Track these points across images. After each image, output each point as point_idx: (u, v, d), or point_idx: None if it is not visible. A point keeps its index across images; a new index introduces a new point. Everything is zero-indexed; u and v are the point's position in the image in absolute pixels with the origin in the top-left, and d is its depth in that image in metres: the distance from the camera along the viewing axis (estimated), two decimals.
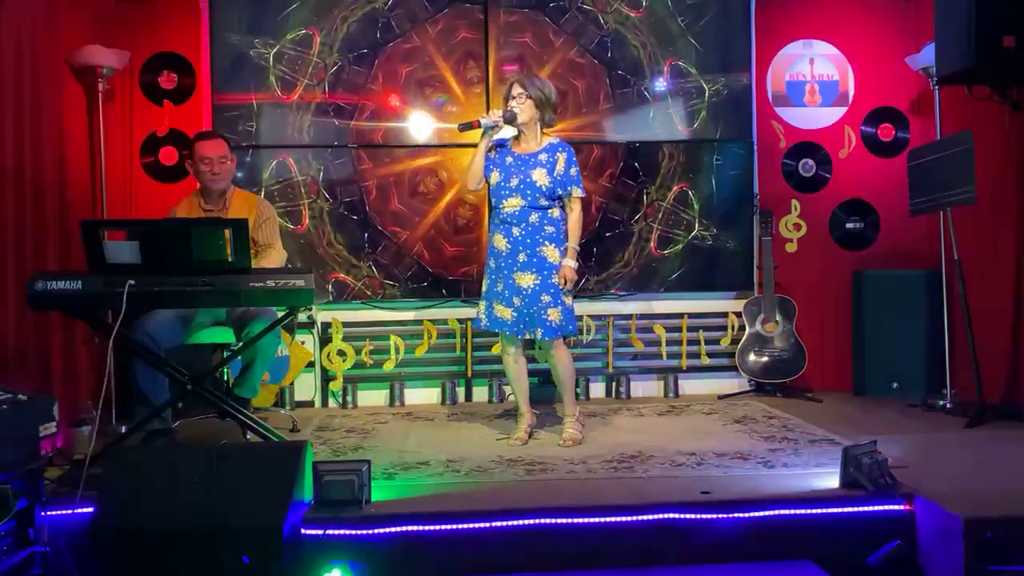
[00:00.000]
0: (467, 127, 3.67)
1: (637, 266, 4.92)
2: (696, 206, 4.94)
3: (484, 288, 3.77)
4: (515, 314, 3.64)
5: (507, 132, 3.73)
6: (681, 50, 4.91)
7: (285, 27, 4.72)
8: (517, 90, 3.62)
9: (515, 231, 3.63)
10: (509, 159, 3.68)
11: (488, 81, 4.80)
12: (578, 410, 3.81)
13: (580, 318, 4.84)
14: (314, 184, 4.74)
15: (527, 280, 3.61)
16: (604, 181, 4.89)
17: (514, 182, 3.62)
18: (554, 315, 3.60)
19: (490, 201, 3.79)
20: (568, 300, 3.65)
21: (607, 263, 4.92)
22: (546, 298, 3.60)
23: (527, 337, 3.67)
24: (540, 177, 3.59)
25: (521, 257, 3.62)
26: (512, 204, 3.62)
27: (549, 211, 3.63)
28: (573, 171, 3.64)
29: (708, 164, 4.94)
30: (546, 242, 3.62)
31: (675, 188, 4.93)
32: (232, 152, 3.92)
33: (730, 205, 4.95)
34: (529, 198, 3.60)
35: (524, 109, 3.61)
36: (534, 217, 3.61)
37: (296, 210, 4.72)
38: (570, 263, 3.61)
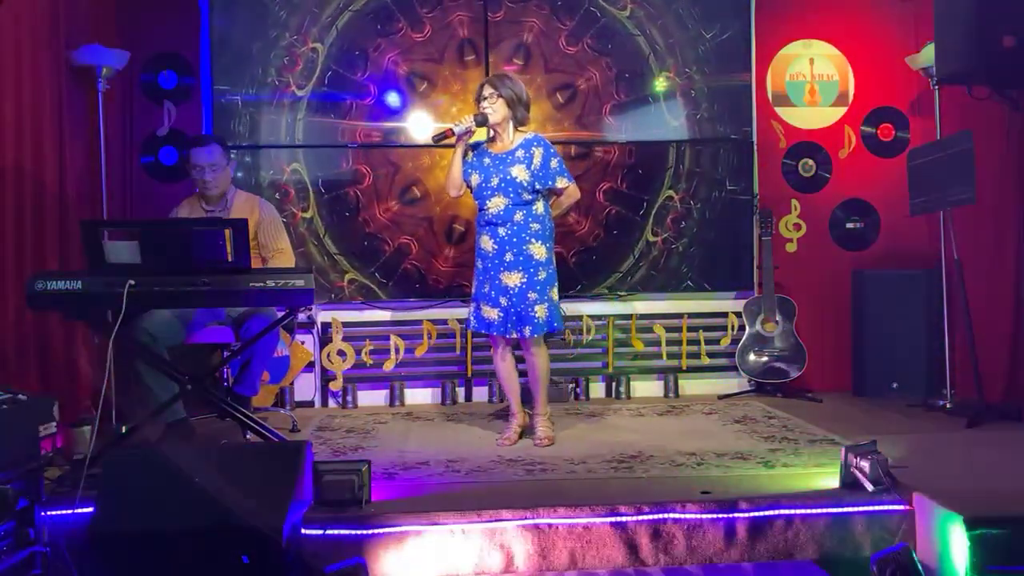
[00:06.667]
0: (441, 137, 3.67)
1: (638, 266, 4.92)
2: (696, 206, 4.94)
3: (473, 290, 3.78)
4: (502, 314, 3.64)
5: (481, 134, 3.72)
6: (682, 49, 4.91)
7: (283, 26, 4.72)
8: (488, 91, 3.63)
9: (501, 231, 3.63)
10: (487, 160, 3.68)
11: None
12: (549, 409, 3.80)
13: (580, 318, 4.85)
14: (312, 184, 4.74)
15: (514, 279, 3.61)
16: (604, 181, 4.89)
17: (495, 181, 3.61)
18: (541, 312, 3.60)
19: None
20: (555, 296, 3.65)
21: (609, 264, 4.91)
22: (533, 295, 3.60)
23: (513, 336, 3.67)
24: (520, 173, 3.59)
25: (508, 257, 3.61)
26: (496, 204, 3.62)
27: (534, 207, 3.62)
28: (554, 163, 3.64)
29: (708, 164, 4.94)
30: (532, 239, 3.61)
31: (675, 188, 4.93)
32: (229, 155, 3.93)
33: (730, 205, 4.95)
34: (512, 195, 3.59)
35: (496, 109, 3.61)
36: (519, 216, 3.60)
37: (289, 210, 4.72)
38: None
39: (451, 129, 3.63)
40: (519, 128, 3.71)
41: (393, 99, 4.80)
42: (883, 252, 5.02)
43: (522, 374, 3.88)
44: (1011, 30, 3.64)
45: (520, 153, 3.63)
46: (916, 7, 4.88)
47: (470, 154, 3.73)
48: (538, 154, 3.62)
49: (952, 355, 4.49)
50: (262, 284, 3.11)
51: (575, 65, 4.86)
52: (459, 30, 4.81)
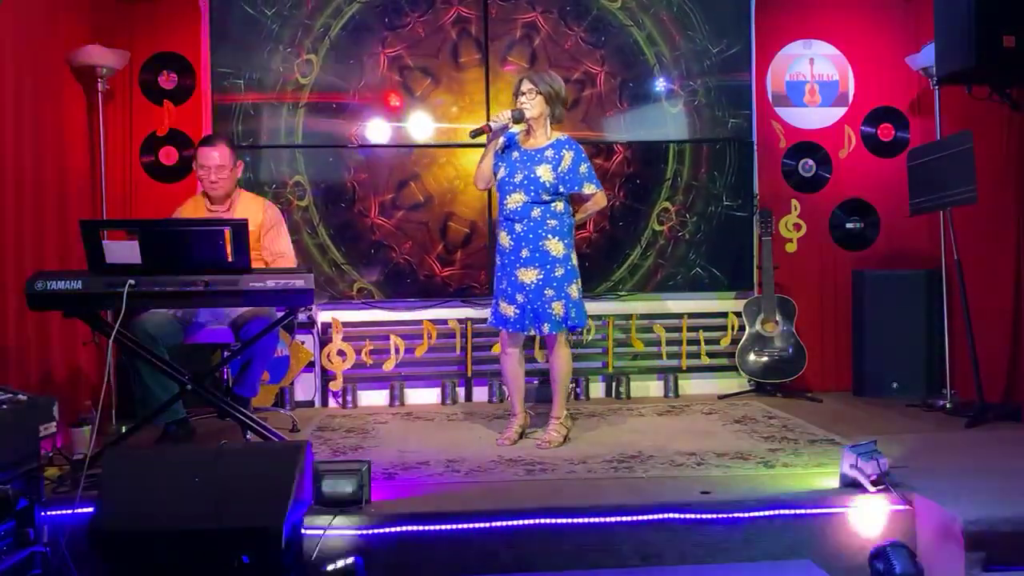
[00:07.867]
0: (478, 133, 3.64)
1: (638, 266, 4.92)
2: (696, 206, 4.94)
3: (494, 286, 3.77)
4: (518, 311, 3.63)
5: (517, 127, 3.71)
6: (682, 50, 4.91)
7: (284, 26, 4.72)
8: (527, 86, 3.61)
9: (518, 227, 3.62)
10: (516, 154, 3.67)
11: (487, 80, 4.80)
12: (566, 414, 3.78)
13: None
14: (311, 184, 4.74)
15: (530, 276, 3.60)
16: (604, 182, 4.88)
17: (518, 178, 3.61)
18: (558, 308, 3.59)
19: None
20: (574, 293, 3.63)
21: (609, 264, 4.92)
22: (549, 292, 3.58)
23: (531, 333, 3.65)
24: (544, 173, 3.58)
25: (524, 253, 3.60)
26: (515, 200, 3.61)
27: (553, 205, 3.61)
28: (583, 168, 3.62)
29: (708, 164, 4.93)
30: (549, 236, 3.59)
31: (675, 188, 4.93)
32: (238, 157, 3.93)
33: (730, 205, 4.95)
34: (532, 194, 3.58)
35: (534, 105, 3.60)
36: (536, 212, 3.59)
37: (288, 211, 4.71)
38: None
39: (488, 125, 3.61)
40: (555, 126, 3.69)
41: (395, 99, 4.79)
42: (883, 252, 5.03)
43: (526, 374, 3.87)
44: (1011, 30, 3.64)
45: (549, 153, 3.61)
46: (916, 7, 4.88)
47: (503, 148, 3.71)
48: (568, 157, 3.60)
49: (952, 355, 4.49)
50: (262, 284, 3.11)
51: (572, 64, 4.86)
52: (459, 27, 4.81)
